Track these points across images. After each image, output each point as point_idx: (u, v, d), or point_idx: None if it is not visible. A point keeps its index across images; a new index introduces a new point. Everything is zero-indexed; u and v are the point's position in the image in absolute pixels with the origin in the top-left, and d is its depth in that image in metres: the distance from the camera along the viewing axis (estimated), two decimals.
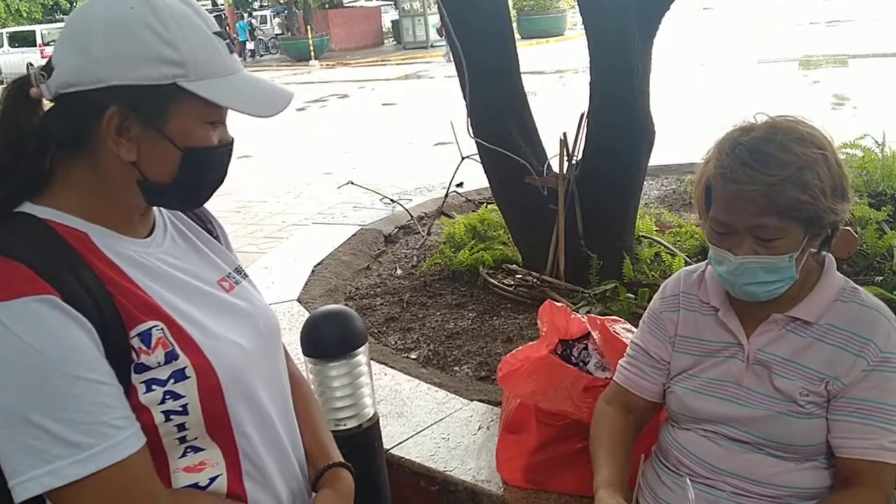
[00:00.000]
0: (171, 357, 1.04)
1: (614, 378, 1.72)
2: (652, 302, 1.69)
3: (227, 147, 1.13)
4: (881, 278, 3.24)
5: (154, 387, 1.02)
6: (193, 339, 1.07)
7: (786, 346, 1.44)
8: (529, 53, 17.66)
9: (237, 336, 1.15)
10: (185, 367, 1.04)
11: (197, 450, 1.08)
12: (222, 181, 1.15)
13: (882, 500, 1.39)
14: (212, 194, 1.16)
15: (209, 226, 1.31)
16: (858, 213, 3.83)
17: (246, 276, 1.29)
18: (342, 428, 1.96)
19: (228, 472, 1.11)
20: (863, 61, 12.55)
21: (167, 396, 1.03)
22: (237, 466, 1.12)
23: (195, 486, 1.09)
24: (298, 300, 3.60)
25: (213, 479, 1.10)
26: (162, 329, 1.04)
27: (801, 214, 1.31)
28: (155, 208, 1.19)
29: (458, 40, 3.53)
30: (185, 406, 1.04)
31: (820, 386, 1.39)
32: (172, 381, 1.03)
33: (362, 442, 1.98)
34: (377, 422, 2.04)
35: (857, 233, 3.48)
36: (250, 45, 30.14)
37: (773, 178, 1.28)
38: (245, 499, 1.13)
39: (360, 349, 1.94)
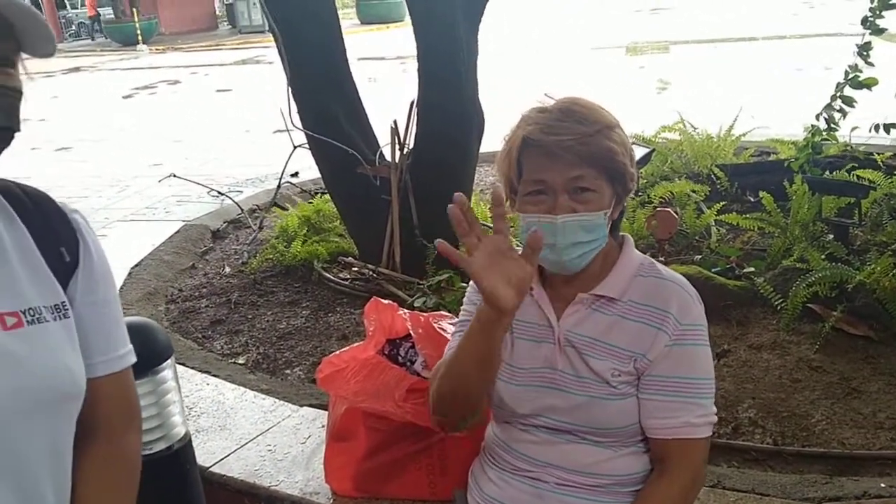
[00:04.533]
0: None
1: (447, 349, 1.55)
2: (472, 285, 1.58)
3: None
4: (700, 257, 3.38)
5: None
6: None
7: (593, 325, 1.43)
8: (369, 39, 17.50)
9: None
10: None
11: None
12: None
13: (692, 476, 1.40)
14: None
15: (62, 248, 1.11)
16: (679, 193, 3.99)
17: (65, 316, 1.06)
18: (149, 452, 1.79)
19: None
20: (683, 47, 13.32)
21: None
22: None
23: None
24: None
25: None
26: None
27: (613, 168, 1.35)
28: None
29: (275, 21, 3.36)
30: None
31: (629, 364, 1.39)
32: None
33: (172, 465, 1.83)
34: (189, 441, 1.88)
35: (676, 213, 3.61)
36: None
37: (588, 128, 1.33)
38: None
39: (165, 364, 1.79)
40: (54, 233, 1.11)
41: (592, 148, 1.32)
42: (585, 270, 1.40)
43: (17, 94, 1.00)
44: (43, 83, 16.90)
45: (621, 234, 1.51)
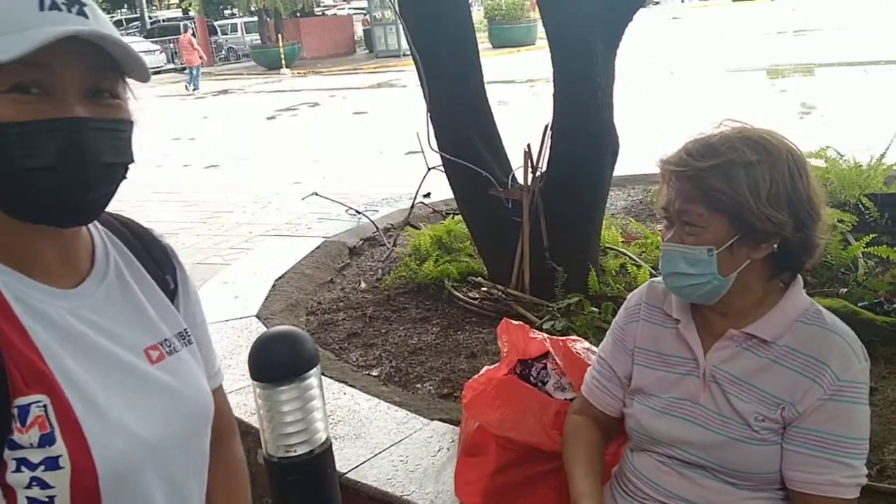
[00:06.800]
0: (46, 441, 0.89)
1: (581, 389, 1.70)
2: (617, 315, 1.66)
3: (41, 124, 0.86)
4: (846, 290, 3.22)
5: (23, 468, 0.88)
6: (80, 425, 0.91)
7: (741, 365, 1.39)
8: (500, 63, 17.68)
9: (143, 421, 0.98)
10: (59, 456, 0.89)
11: None
12: (75, 173, 0.89)
13: None
14: (68, 196, 0.90)
15: (167, 276, 1.13)
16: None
17: (189, 342, 1.11)
18: (292, 455, 1.88)
19: None
20: (829, 70, 12.71)
21: (34, 483, 0.88)
22: None
23: None
24: (258, 316, 3.51)
25: None
26: (44, 406, 0.89)
27: (724, 207, 1.31)
28: (103, 254, 1.04)
29: (417, 49, 3.48)
30: (52, 498, 0.89)
31: (776, 412, 1.34)
32: (43, 467, 0.88)
33: (313, 468, 1.90)
34: (330, 447, 1.95)
35: None
36: None
37: (702, 164, 1.32)
38: None
39: (311, 372, 1.86)
40: (157, 261, 1.12)
41: (699, 185, 1.32)
42: (735, 306, 1.39)
43: (127, 125, 0.96)
44: (194, 104, 18.12)
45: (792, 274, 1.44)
